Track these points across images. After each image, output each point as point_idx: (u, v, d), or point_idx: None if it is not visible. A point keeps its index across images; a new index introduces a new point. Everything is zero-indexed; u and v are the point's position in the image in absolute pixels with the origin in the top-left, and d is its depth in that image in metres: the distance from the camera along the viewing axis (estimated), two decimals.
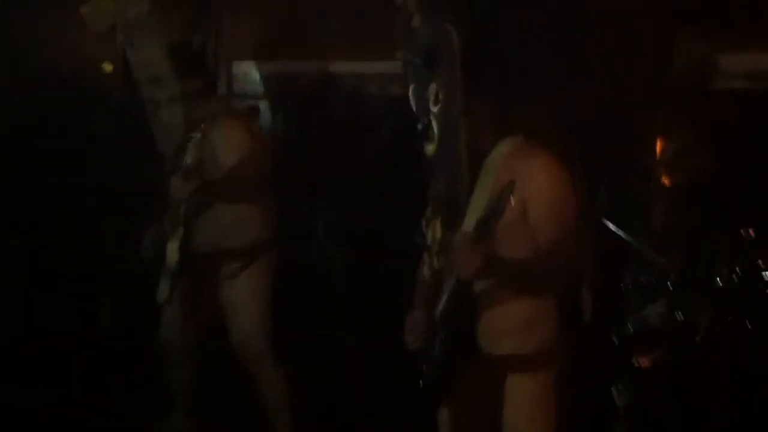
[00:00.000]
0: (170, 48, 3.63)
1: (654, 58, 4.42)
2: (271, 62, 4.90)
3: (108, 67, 5.01)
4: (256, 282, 3.85)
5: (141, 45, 3.61)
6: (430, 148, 2.72)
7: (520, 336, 2.74)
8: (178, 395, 4.03)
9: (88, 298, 4.73)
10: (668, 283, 3.78)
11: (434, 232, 2.80)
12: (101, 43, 4.93)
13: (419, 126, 2.74)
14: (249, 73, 5.06)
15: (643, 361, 3.75)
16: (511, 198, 2.39)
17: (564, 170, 2.65)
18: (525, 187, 2.54)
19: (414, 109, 2.76)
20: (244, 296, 3.85)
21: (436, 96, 2.64)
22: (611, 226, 3.94)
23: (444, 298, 2.66)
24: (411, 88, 2.75)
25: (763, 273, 3.69)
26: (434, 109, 2.66)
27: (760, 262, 3.69)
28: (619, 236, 3.93)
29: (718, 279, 3.72)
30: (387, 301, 3.12)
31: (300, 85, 4.96)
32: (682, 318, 3.73)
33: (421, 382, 2.78)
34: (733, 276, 3.70)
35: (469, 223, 2.63)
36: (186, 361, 3.95)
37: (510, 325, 2.73)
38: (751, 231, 3.75)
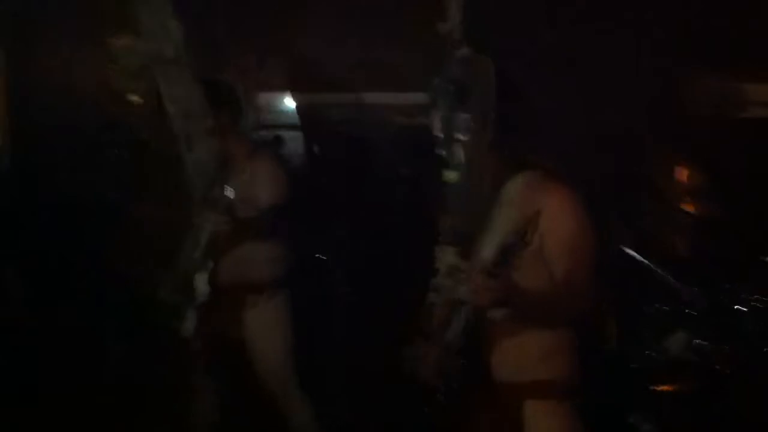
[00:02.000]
0: (203, 84, 3.72)
1: (676, 91, 4.46)
2: (295, 94, 4.96)
3: (137, 101, 5.10)
4: (279, 312, 3.89)
5: (175, 80, 3.68)
6: (452, 176, 2.75)
7: (537, 366, 2.73)
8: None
9: (103, 334, 4.74)
10: (691, 311, 3.78)
11: (449, 261, 2.83)
12: (130, 77, 5.05)
13: (440, 153, 2.77)
14: (274, 104, 5.14)
15: (665, 390, 3.73)
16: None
17: (581, 204, 2.67)
18: (542, 219, 2.58)
19: (438, 136, 2.79)
20: (267, 327, 3.87)
21: (467, 125, 2.68)
22: (634, 254, 3.95)
23: (459, 328, 2.66)
24: (438, 116, 2.78)
25: None
26: (464, 138, 2.69)
27: None
28: (642, 264, 3.94)
29: (741, 307, 3.73)
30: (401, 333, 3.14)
31: (324, 117, 5.01)
32: (705, 347, 3.72)
33: (434, 413, 2.79)
34: (757, 304, 3.70)
35: (486, 253, 2.64)
36: (209, 395, 3.97)
37: (527, 355, 2.71)
38: None
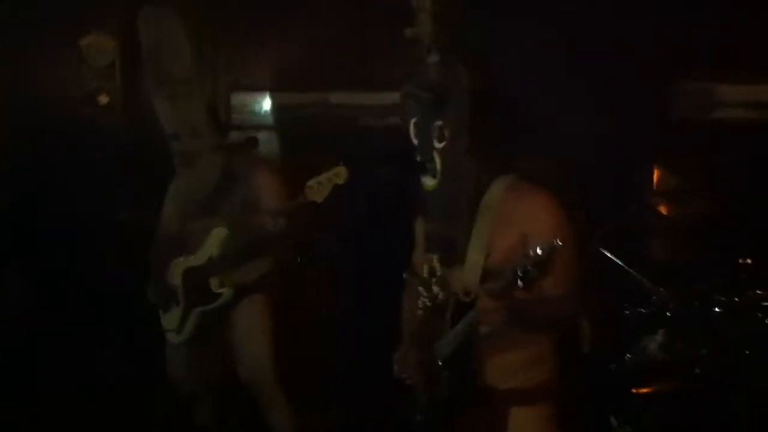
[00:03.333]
0: (211, 103, 3.68)
1: (652, 95, 4.47)
2: (270, 93, 4.92)
3: (104, 99, 5.04)
4: (263, 315, 3.85)
5: (185, 99, 3.63)
6: (429, 183, 2.73)
7: (524, 372, 2.74)
8: None
9: (92, 341, 4.69)
10: (667, 313, 3.79)
11: (431, 268, 2.80)
12: (99, 77, 4.99)
13: (418, 159, 2.74)
14: (247, 104, 5.09)
15: (642, 391, 3.74)
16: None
17: (562, 209, 2.66)
18: (525, 224, 2.57)
19: (414, 142, 2.76)
20: (251, 328, 3.84)
21: (442, 133, 2.65)
22: (611, 256, 3.95)
23: (451, 340, 2.63)
24: (413, 121, 2.75)
25: (761, 302, 3.70)
26: (439, 145, 2.67)
27: (758, 291, 3.71)
28: (619, 266, 3.94)
29: (716, 309, 3.74)
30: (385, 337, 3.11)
31: (300, 117, 4.99)
32: (682, 348, 3.73)
33: (420, 421, 2.77)
34: (732, 305, 3.71)
35: (473, 261, 2.64)
36: (199, 400, 3.94)
37: (515, 362, 2.73)
38: (749, 260, 3.76)
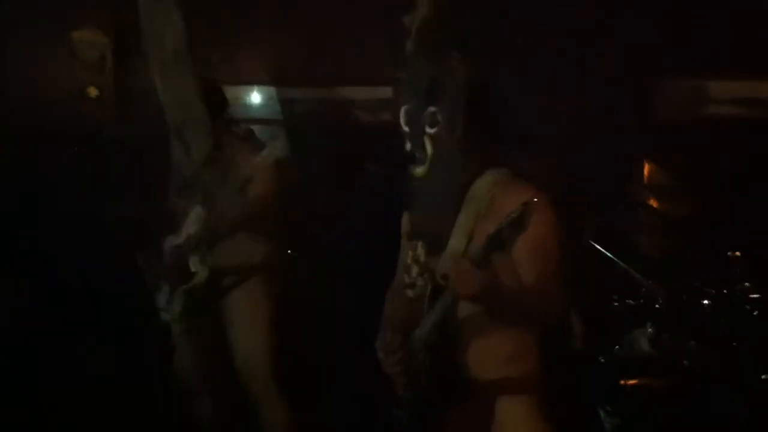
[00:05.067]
0: (202, 84, 3.72)
1: (644, 92, 4.50)
2: (264, 87, 4.93)
3: (93, 92, 5.03)
4: (260, 309, 3.86)
5: (176, 76, 3.66)
6: (419, 170, 2.73)
7: (506, 364, 2.72)
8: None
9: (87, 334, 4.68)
10: (656, 305, 3.81)
11: (415, 255, 2.81)
12: (89, 71, 4.98)
13: (407, 147, 2.75)
14: (239, 97, 5.10)
15: (631, 383, 3.76)
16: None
17: (550, 206, 2.67)
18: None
19: (405, 129, 2.76)
20: (248, 322, 3.86)
21: (435, 119, 2.66)
22: (600, 248, 3.97)
23: (429, 322, 2.63)
24: (404, 108, 2.75)
25: (750, 295, 3.72)
26: (431, 131, 2.67)
27: (746, 284, 3.73)
28: (608, 259, 3.96)
29: (705, 301, 3.76)
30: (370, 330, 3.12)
31: (294, 111, 5.00)
32: (670, 340, 3.75)
33: (405, 416, 2.77)
34: (721, 298, 3.73)
35: (454, 247, 2.64)
36: (200, 392, 3.94)
37: (497, 355, 2.70)
38: (737, 253, 3.78)
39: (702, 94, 4.66)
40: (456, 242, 2.65)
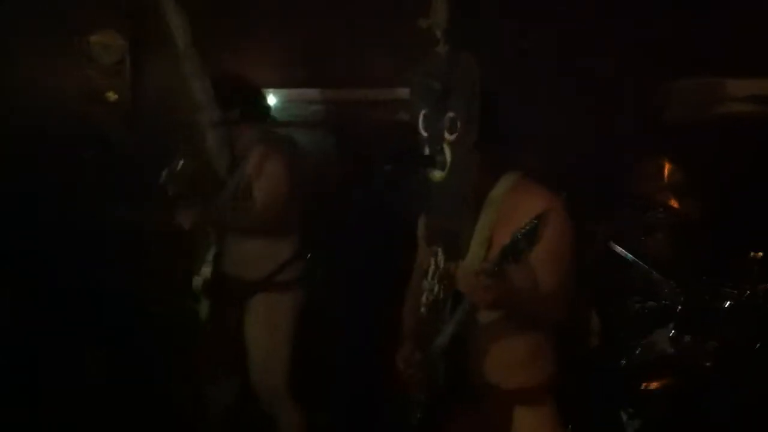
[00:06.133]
0: (212, 77, 3.76)
1: (655, 90, 4.48)
2: (277, 89, 4.93)
3: (112, 97, 5.04)
4: (276, 318, 3.86)
5: (187, 73, 3.71)
6: (437, 175, 2.72)
7: (521, 368, 2.74)
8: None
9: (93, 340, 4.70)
10: (678, 307, 3.78)
11: (435, 261, 2.80)
12: (106, 74, 4.99)
13: (426, 151, 2.74)
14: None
15: (652, 386, 3.74)
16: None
17: (565, 210, 2.66)
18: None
19: (424, 134, 2.76)
20: (262, 331, 3.86)
21: (454, 124, 2.65)
22: (620, 250, 3.94)
23: (449, 330, 2.63)
24: (423, 113, 2.75)
25: None
26: (450, 137, 2.66)
27: None
28: (628, 261, 3.93)
29: (727, 302, 3.73)
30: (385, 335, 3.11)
31: (308, 112, 4.99)
32: (692, 342, 3.72)
33: (419, 420, 2.76)
34: (742, 299, 3.70)
35: (475, 254, 2.64)
36: (216, 398, 3.95)
37: (511, 358, 2.72)
38: (759, 253, 3.75)
39: (716, 92, 4.63)
40: (477, 248, 2.65)
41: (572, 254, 2.65)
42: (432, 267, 2.80)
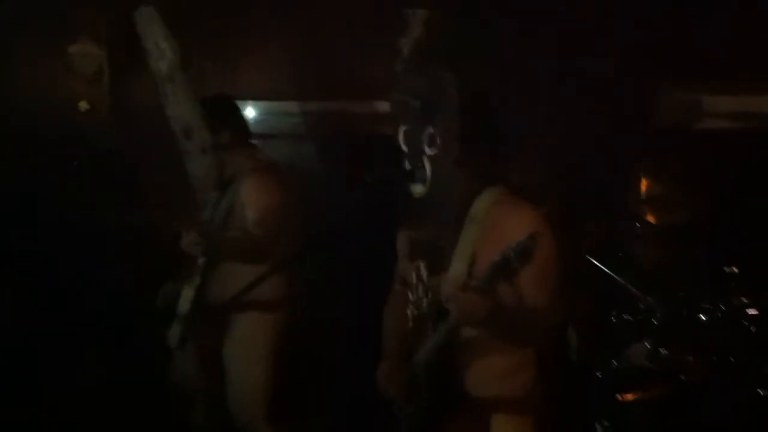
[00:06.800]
0: (201, 100, 3.73)
1: (638, 106, 4.51)
2: (262, 102, 4.93)
3: (84, 106, 5.03)
4: (256, 341, 3.80)
5: (175, 98, 3.67)
6: (418, 190, 2.74)
7: (502, 381, 2.76)
8: None
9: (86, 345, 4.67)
10: (653, 320, 3.81)
11: (418, 275, 2.81)
12: (84, 84, 4.98)
13: (407, 167, 2.75)
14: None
15: (629, 398, 3.76)
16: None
17: (547, 224, 2.69)
18: (510, 239, 2.58)
19: (404, 149, 2.77)
20: (241, 354, 3.81)
21: (433, 139, 2.67)
22: (597, 264, 3.97)
23: (432, 344, 2.65)
24: (403, 129, 2.77)
25: (747, 310, 3.73)
26: (430, 152, 2.68)
27: (743, 299, 3.73)
28: (605, 274, 3.96)
29: (702, 316, 3.76)
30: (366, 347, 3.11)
31: (293, 125, 4.99)
32: (668, 355, 3.75)
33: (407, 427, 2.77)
34: (718, 313, 3.73)
35: (458, 269, 2.65)
36: (197, 403, 3.91)
37: (496, 370, 2.74)
38: (734, 268, 3.79)
39: (700, 106, 4.67)
40: (460, 263, 2.66)
41: (556, 270, 2.67)
42: (414, 281, 2.81)
